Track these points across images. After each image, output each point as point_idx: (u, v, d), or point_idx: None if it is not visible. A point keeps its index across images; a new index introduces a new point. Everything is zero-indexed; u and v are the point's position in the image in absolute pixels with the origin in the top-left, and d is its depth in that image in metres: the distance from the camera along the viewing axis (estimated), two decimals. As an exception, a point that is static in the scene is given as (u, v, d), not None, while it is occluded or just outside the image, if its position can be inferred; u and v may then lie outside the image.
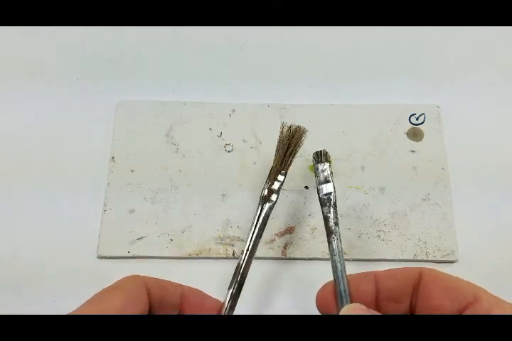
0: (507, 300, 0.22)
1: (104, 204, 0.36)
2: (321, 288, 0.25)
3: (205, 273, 0.34)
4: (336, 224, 0.26)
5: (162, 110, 0.39)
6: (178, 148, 0.38)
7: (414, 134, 0.38)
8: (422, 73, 0.41)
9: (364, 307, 0.23)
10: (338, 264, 0.25)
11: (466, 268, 0.34)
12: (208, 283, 0.34)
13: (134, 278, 0.23)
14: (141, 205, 0.36)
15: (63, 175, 0.37)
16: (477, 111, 0.39)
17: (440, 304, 0.23)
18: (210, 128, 0.39)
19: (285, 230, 0.35)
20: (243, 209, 0.36)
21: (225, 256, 0.34)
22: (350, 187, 0.36)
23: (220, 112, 0.39)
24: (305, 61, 0.42)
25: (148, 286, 0.23)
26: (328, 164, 0.28)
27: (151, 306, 0.23)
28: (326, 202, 0.27)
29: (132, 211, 0.36)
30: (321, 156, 0.29)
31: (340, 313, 0.24)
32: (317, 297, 0.25)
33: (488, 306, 0.22)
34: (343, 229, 0.35)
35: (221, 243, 0.35)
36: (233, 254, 0.34)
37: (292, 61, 0.42)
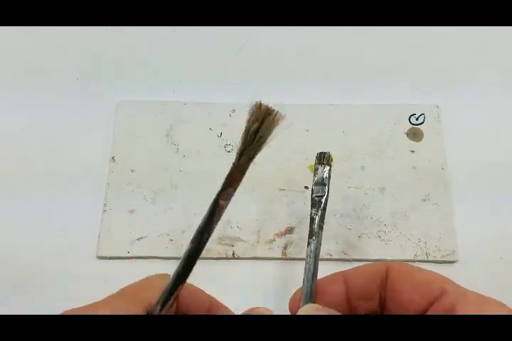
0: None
1: (104, 204, 0.36)
2: (293, 294, 0.25)
3: (205, 273, 0.34)
4: (321, 227, 0.26)
5: (162, 110, 0.39)
6: (178, 148, 0.38)
7: (414, 134, 0.38)
8: (421, 73, 0.41)
9: (320, 307, 0.23)
10: (312, 267, 0.25)
11: (467, 268, 0.34)
12: (208, 283, 0.34)
13: (164, 277, 0.23)
14: (141, 205, 0.36)
15: (63, 175, 0.37)
16: (477, 111, 0.39)
17: (409, 299, 0.23)
18: (210, 128, 0.38)
19: (285, 230, 0.35)
20: (243, 209, 0.36)
21: (225, 256, 0.34)
22: (350, 187, 0.36)
23: (220, 112, 0.39)
24: (305, 61, 0.42)
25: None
26: (329, 168, 0.28)
27: (177, 308, 0.23)
28: (316, 203, 0.27)
29: (132, 211, 0.36)
30: (323, 158, 0.29)
31: (297, 314, 0.23)
32: (289, 302, 0.25)
33: (455, 297, 0.22)
34: (343, 229, 0.35)
35: (221, 243, 0.35)
36: (233, 255, 0.34)
37: (292, 61, 0.42)
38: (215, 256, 0.34)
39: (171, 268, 0.34)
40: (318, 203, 0.27)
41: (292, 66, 0.41)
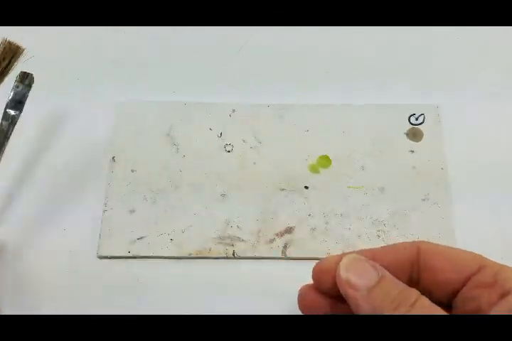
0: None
1: (105, 204, 0.36)
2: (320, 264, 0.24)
3: (205, 273, 0.34)
4: (6, 138, 0.32)
5: (162, 110, 0.39)
6: (178, 148, 0.38)
7: (414, 134, 0.38)
8: (421, 73, 0.41)
9: (363, 257, 0.22)
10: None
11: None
12: (208, 283, 0.34)
13: None
14: (142, 205, 0.36)
15: (63, 175, 0.37)
16: (477, 112, 0.39)
17: (446, 277, 0.23)
18: (210, 128, 0.39)
19: (285, 230, 0.35)
20: (243, 209, 0.36)
21: (225, 256, 0.34)
22: (350, 187, 0.36)
23: (220, 112, 0.39)
24: (305, 61, 0.42)
25: None
26: (29, 88, 0.32)
27: None
28: (9, 118, 0.32)
29: (133, 211, 0.36)
30: (26, 79, 0.32)
31: (341, 265, 0.22)
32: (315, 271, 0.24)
33: (493, 272, 0.22)
34: (343, 229, 0.35)
35: (221, 243, 0.35)
36: (233, 254, 0.34)
37: (292, 61, 0.42)
38: (215, 256, 0.34)
39: (171, 268, 0.34)
40: (11, 118, 0.32)
41: (292, 66, 0.42)
